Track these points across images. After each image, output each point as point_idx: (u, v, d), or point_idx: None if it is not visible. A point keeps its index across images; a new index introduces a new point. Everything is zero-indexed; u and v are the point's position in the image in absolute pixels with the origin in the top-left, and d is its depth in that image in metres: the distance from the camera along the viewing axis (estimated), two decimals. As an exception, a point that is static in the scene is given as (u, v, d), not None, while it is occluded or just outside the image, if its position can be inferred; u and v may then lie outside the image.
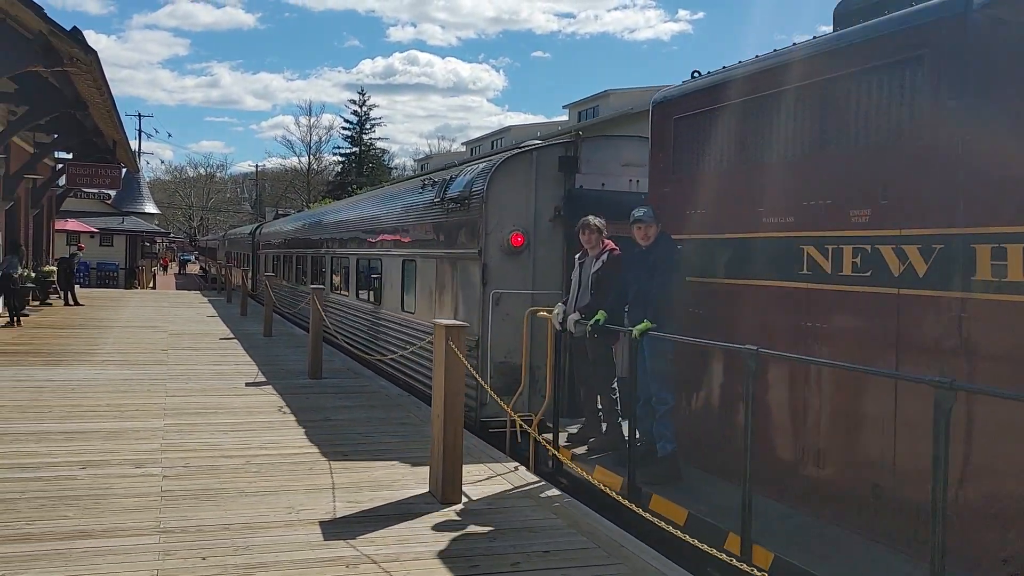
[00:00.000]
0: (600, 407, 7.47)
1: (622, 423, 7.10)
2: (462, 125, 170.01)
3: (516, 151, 9.42)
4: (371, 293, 14.49)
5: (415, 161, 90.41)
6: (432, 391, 6.44)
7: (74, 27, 12.16)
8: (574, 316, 7.05)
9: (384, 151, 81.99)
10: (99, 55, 13.02)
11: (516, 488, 6.63)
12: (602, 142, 9.54)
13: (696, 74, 7.02)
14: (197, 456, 7.26)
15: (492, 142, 64.07)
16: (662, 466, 6.30)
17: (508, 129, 66.11)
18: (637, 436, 6.23)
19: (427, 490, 6.37)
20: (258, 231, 33.13)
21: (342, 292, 16.96)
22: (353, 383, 11.71)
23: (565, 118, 58.13)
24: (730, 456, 5.84)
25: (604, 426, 7.42)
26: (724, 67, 6.68)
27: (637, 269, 6.67)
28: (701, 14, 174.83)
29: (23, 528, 5.28)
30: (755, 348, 4.76)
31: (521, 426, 7.45)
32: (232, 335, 17.48)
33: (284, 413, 9.33)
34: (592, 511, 6.07)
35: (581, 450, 7.32)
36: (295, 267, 23.50)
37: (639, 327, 6.08)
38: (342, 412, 9.51)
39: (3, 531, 5.21)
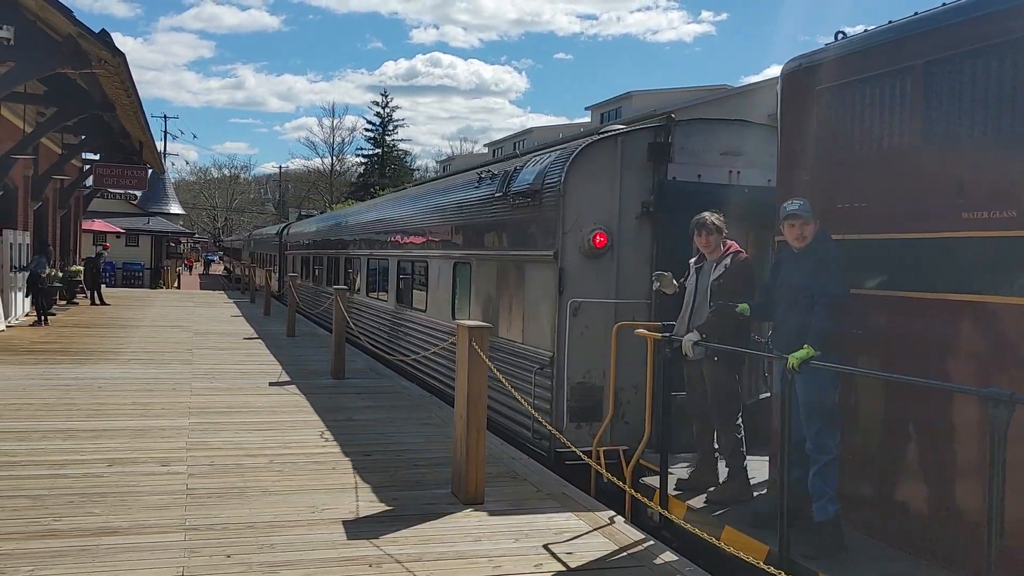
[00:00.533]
0: (718, 446, 6.34)
1: (747, 466, 6.19)
2: (484, 127, 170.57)
3: (598, 136, 8.13)
4: (413, 298, 13.32)
5: (437, 162, 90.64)
6: (455, 390, 6.43)
7: (102, 29, 12.33)
8: (691, 337, 6.01)
9: (406, 152, 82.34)
10: (126, 57, 13.17)
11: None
12: (698, 127, 8.27)
13: (841, 35, 5.78)
14: (222, 455, 7.32)
15: (514, 144, 64.10)
16: (823, 533, 5.07)
17: (530, 131, 66.13)
18: (786, 490, 4.87)
19: (449, 490, 6.38)
20: (285, 231, 31.89)
21: (379, 297, 15.71)
22: (375, 383, 11.75)
23: (587, 120, 58.08)
24: (916, 522, 4.95)
25: (725, 470, 6.27)
26: (888, 22, 5.41)
27: (788, 277, 5.45)
28: (724, 15, 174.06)
29: (50, 524, 5.33)
30: (1008, 393, 3.58)
31: (608, 473, 5.86)
32: (256, 335, 17.60)
33: (307, 413, 9.37)
34: (615, 513, 6.04)
35: (697, 501, 6.16)
36: (327, 269, 22.08)
37: (798, 354, 4.86)
38: (365, 412, 9.54)
39: (30, 527, 5.27)
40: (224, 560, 4.85)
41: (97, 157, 26.21)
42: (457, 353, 6.33)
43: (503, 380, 6.79)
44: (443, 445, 7.73)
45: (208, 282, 55.10)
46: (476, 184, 10.49)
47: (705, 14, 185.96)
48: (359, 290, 17.62)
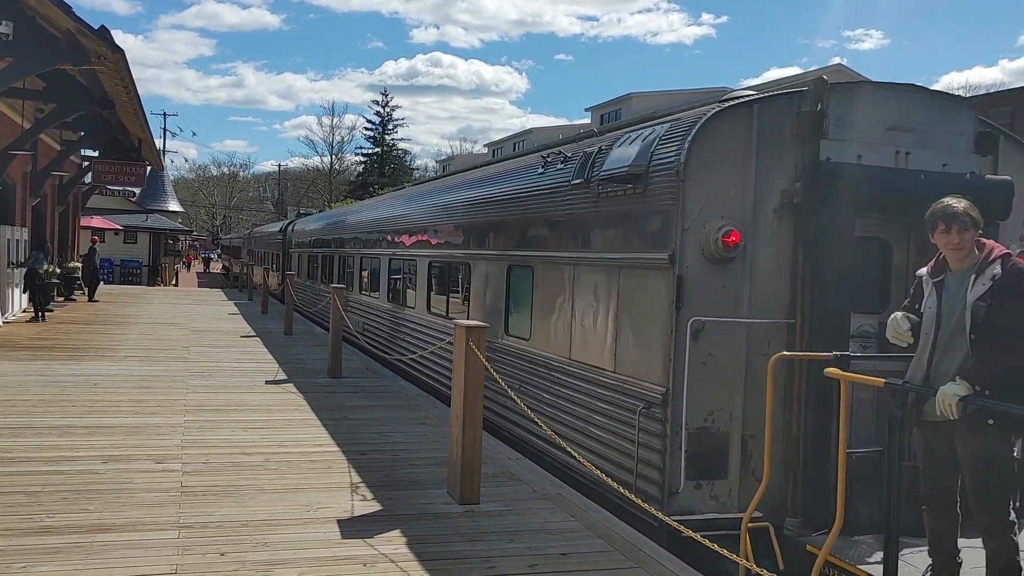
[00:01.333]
0: (985, 547, 4.44)
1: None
2: (484, 127, 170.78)
3: (728, 103, 6.37)
4: (449, 308, 11.44)
5: (436, 162, 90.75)
6: (452, 390, 6.41)
7: (102, 26, 12.31)
8: (955, 390, 4.16)
9: (406, 152, 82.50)
10: (126, 54, 13.16)
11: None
12: (860, 92, 6.46)
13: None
14: (217, 453, 7.30)
15: (514, 144, 64.20)
16: None
17: (530, 131, 66.23)
18: None
19: (445, 490, 6.37)
20: (290, 228, 29.95)
21: (407, 305, 13.49)
22: (372, 383, 11.74)
23: (587, 121, 58.22)
24: None
25: (986, 568, 4.48)
26: None
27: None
28: (725, 18, 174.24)
29: (44, 521, 5.32)
30: None
31: (745, 554, 4.73)
32: (253, 333, 17.58)
33: (303, 411, 9.36)
34: (610, 514, 6.04)
35: None
36: (339, 271, 19.79)
37: None
38: (361, 411, 9.53)
39: (25, 524, 5.25)
40: (218, 558, 4.84)
41: (96, 154, 26.20)
42: (454, 353, 6.31)
43: (575, 416, 6.47)
44: (439, 445, 7.72)
45: (206, 280, 55.07)
46: (539, 170, 8.70)
47: (706, 17, 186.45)
48: (378, 296, 15.53)
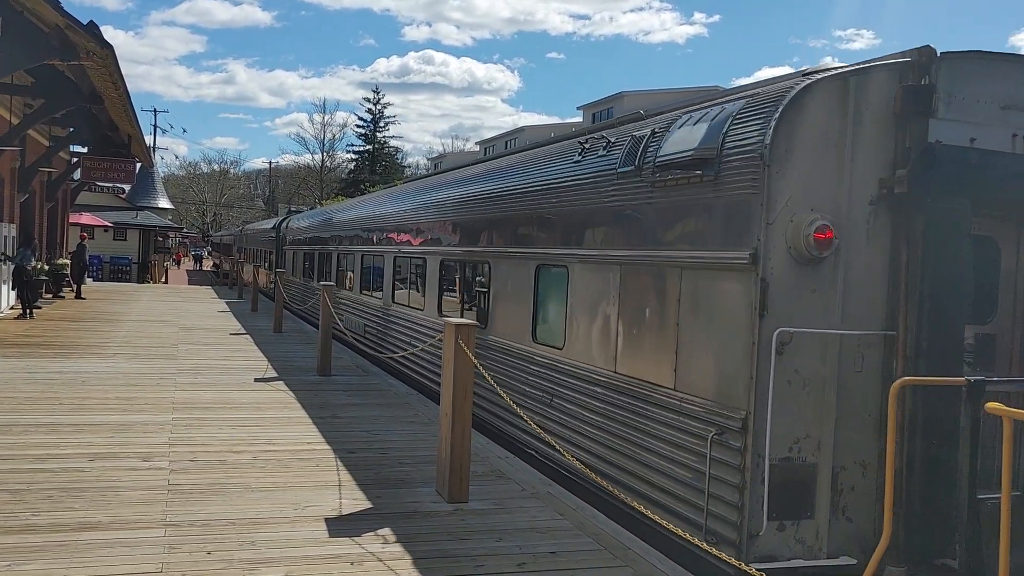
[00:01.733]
0: None
1: None
2: (476, 125, 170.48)
3: (822, 73, 5.47)
4: (464, 310, 10.56)
5: (428, 159, 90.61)
6: (441, 388, 6.38)
7: (90, 21, 12.22)
8: None
9: (397, 149, 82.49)
10: (115, 50, 13.08)
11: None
12: (973, 65, 5.54)
13: None
14: (205, 451, 7.26)
15: (506, 142, 64.15)
16: None
17: (522, 129, 66.22)
18: None
19: (433, 489, 6.35)
20: (284, 225, 28.90)
21: (416, 307, 12.50)
22: (362, 380, 11.70)
23: (579, 119, 58.25)
24: None
25: None
26: None
27: None
28: (717, 17, 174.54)
29: (29, 519, 5.28)
30: None
31: None
32: (243, 331, 17.51)
33: (292, 409, 9.32)
34: (598, 512, 6.04)
35: None
36: (341, 270, 18.58)
37: None
38: (350, 409, 9.50)
39: (9, 522, 5.21)
40: (204, 556, 4.80)
41: (85, 150, 26.05)
42: (443, 351, 6.28)
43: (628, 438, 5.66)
44: (428, 443, 7.70)
45: (196, 277, 54.86)
46: (576, 157, 7.80)
47: (697, 16, 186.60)
48: (382, 296, 14.54)
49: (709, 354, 5.66)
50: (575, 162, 7.77)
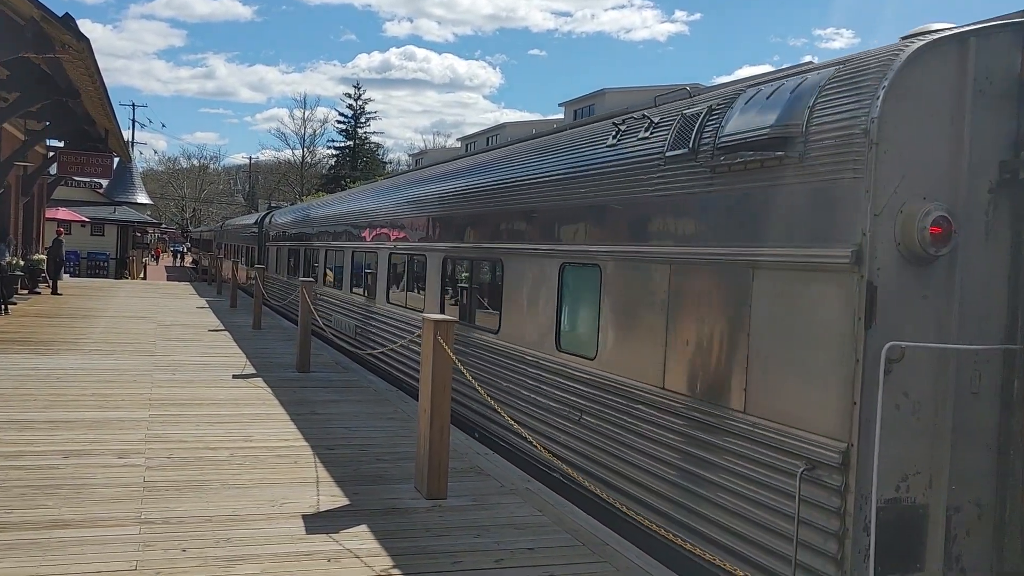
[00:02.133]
0: None
1: None
2: (457, 121, 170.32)
3: (933, 35, 4.55)
4: (475, 314, 9.55)
5: (409, 155, 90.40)
6: (419, 384, 6.35)
7: (66, 13, 12.06)
8: None
9: (379, 145, 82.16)
10: (92, 43, 12.92)
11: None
12: None
13: None
14: (181, 447, 7.20)
15: (488, 138, 64.12)
16: None
17: (503, 126, 66.20)
18: None
19: (412, 485, 6.32)
20: (267, 220, 27.88)
21: (411, 308, 11.73)
22: (341, 377, 11.65)
23: (561, 116, 58.29)
24: None
25: None
26: None
27: None
28: (698, 15, 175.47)
29: (1, 517, 5.20)
30: None
31: None
32: (222, 327, 17.39)
33: (271, 406, 9.26)
34: (577, 508, 6.03)
35: None
36: (331, 268, 17.36)
37: None
38: (329, 406, 9.45)
39: (-19, 520, 5.14)
40: (179, 554, 4.76)
41: (62, 144, 25.76)
42: (422, 347, 6.25)
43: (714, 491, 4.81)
44: (408, 440, 7.68)
45: (176, 274, 54.46)
46: (610, 141, 6.95)
47: (679, 14, 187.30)
48: (375, 296, 13.64)
49: (793, 372, 4.75)
50: (609, 146, 6.91)
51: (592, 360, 6.81)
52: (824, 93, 4.75)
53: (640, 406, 6.06)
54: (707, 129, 5.64)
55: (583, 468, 6.60)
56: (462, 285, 10.07)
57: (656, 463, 5.79)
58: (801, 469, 4.54)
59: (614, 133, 6.94)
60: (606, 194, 6.78)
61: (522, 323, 8.13)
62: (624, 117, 7.09)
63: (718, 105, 5.71)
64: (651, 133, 6.34)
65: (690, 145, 5.72)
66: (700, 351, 5.53)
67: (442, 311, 10.31)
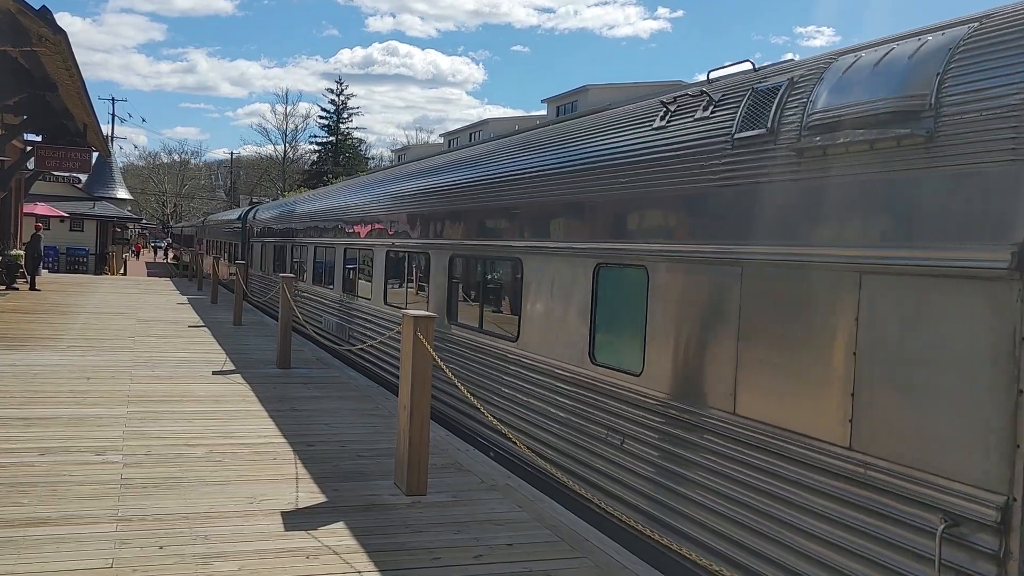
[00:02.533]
0: None
1: None
2: (440, 117, 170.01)
3: None
4: (483, 320, 8.77)
5: (392, 151, 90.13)
6: (399, 381, 6.34)
7: (43, 6, 11.95)
8: None
9: (361, 141, 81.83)
10: (71, 36, 12.81)
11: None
12: None
13: None
14: (159, 444, 7.15)
15: (470, 134, 64.04)
16: None
17: (486, 122, 66.14)
18: None
19: (392, 481, 6.31)
20: (251, 215, 27.31)
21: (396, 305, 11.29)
22: (322, 373, 11.61)
23: (544, 112, 58.28)
24: None
25: None
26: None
27: None
28: (680, 12, 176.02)
29: (-24, 515, 5.16)
30: None
31: None
32: (202, 323, 17.29)
33: (250, 402, 9.21)
34: (557, 504, 6.04)
35: None
36: (322, 266, 16.45)
37: None
38: (309, 402, 9.42)
39: (-45, 518, 5.09)
40: (156, 552, 4.73)
41: (40, 138, 25.51)
42: (402, 343, 6.23)
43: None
44: (388, 436, 7.67)
45: (156, 269, 54.05)
46: (658, 123, 6.09)
47: (662, 11, 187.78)
48: (371, 298, 12.90)
49: (920, 402, 3.87)
50: (656, 128, 6.04)
51: (638, 376, 5.95)
52: (959, 57, 3.90)
53: (705, 434, 5.20)
54: (790, 105, 4.82)
55: (625, 500, 5.80)
56: (473, 286, 9.29)
57: (725, 502, 4.95)
58: (941, 527, 3.66)
59: (662, 114, 6.07)
60: (653, 184, 5.89)
61: (547, 331, 7.27)
62: (675, 96, 6.16)
63: (801, 77, 4.89)
64: (711, 112, 5.51)
65: (769, 124, 4.88)
66: (783, 371, 4.63)
67: (449, 313, 9.58)
